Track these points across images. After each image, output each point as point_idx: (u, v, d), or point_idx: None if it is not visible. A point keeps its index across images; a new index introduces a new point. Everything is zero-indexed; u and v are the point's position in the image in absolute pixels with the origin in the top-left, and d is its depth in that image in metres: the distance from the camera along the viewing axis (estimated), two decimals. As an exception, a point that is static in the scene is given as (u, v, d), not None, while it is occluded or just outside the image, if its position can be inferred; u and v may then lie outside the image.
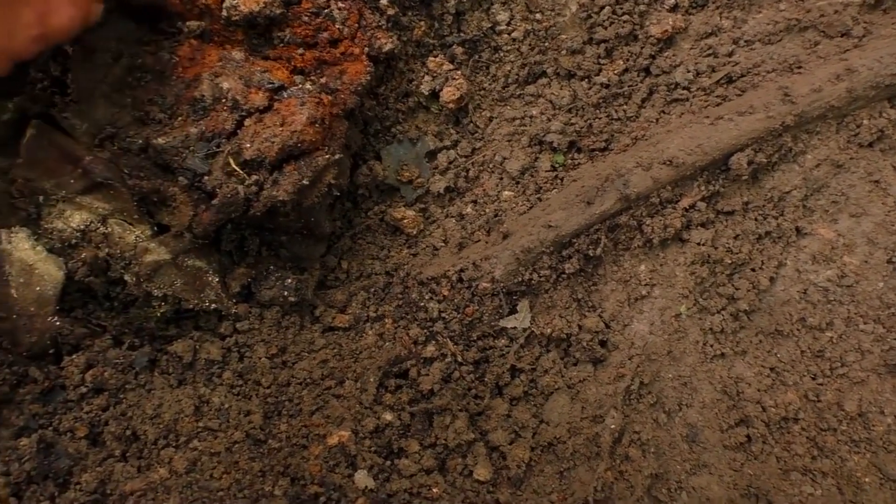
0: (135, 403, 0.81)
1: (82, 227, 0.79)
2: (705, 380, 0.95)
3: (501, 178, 1.02)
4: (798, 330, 0.96)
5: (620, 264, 0.96)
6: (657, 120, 1.01)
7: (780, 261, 0.97)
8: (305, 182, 0.83)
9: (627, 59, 1.03)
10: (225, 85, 0.84)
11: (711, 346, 0.95)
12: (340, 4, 0.92)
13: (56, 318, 0.77)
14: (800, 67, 0.99)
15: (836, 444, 0.94)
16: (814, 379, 0.95)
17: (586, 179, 0.94)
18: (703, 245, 0.95)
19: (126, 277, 0.80)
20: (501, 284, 0.89)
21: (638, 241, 0.94)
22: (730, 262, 0.96)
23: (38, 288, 0.75)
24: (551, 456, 0.91)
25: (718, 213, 0.97)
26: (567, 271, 0.92)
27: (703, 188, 0.94)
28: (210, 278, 0.85)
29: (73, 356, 0.79)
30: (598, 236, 0.92)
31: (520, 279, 0.90)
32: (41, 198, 0.78)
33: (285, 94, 0.86)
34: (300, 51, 0.92)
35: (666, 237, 0.94)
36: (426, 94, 0.99)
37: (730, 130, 0.93)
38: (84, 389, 0.79)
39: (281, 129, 0.83)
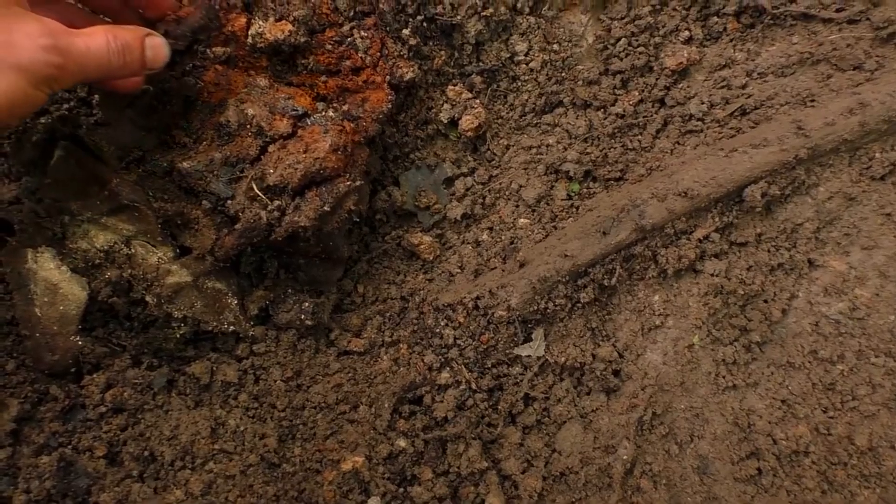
0: (153, 424, 0.82)
1: (106, 247, 0.80)
2: (717, 411, 0.95)
3: (517, 206, 1.03)
4: (809, 362, 0.97)
5: (635, 294, 0.97)
6: (672, 151, 1.02)
7: (792, 293, 0.98)
8: (327, 208, 0.84)
9: (643, 90, 1.04)
10: (250, 111, 0.85)
11: (724, 377, 0.96)
12: (363, 33, 0.94)
13: (78, 338, 0.78)
14: (813, 100, 1.00)
15: (846, 479, 0.94)
16: (825, 412, 0.96)
17: (602, 209, 0.95)
18: (717, 276, 0.96)
19: (147, 298, 0.81)
20: (517, 313, 0.90)
21: (652, 272, 0.95)
22: (743, 293, 0.96)
23: (61, 307, 0.76)
24: (563, 486, 0.92)
25: (732, 245, 0.98)
26: (582, 300, 0.93)
27: (717, 219, 0.95)
28: (229, 300, 0.86)
29: (94, 375, 0.80)
30: (614, 266, 0.92)
31: (535, 308, 0.90)
32: (67, 218, 0.79)
33: (309, 121, 0.87)
34: (323, 78, 0.93)
35: (680, 268, 0.95)
36: (445, 121, 1.01)
37: (744, 163, 0.94)
38: (103, 409, 0.80)
39: (304, 155, 0.84)
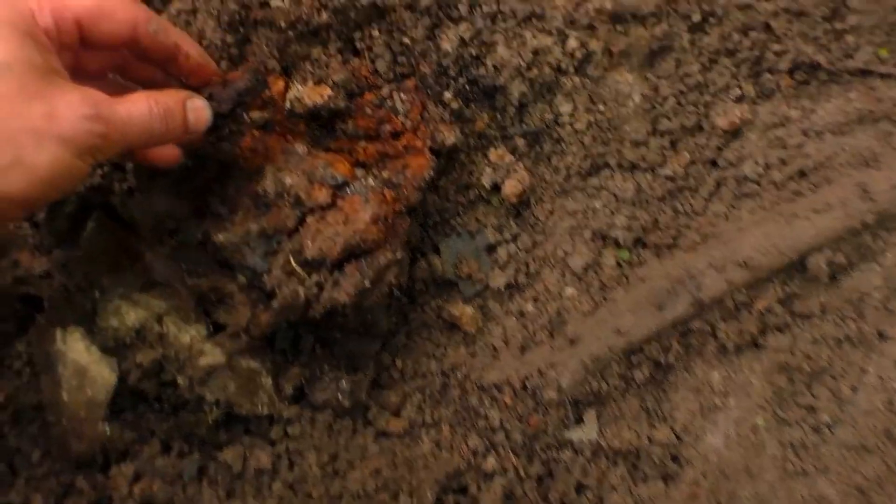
0: (182, 518, 0.77)
1: (138, 325, 0.76)
2: (785, 500, 0.88)
3: (563, 275, 0.98)
4: (884, 444, 0.89)
5: (692, 371, 0.91)
6: (726, 215, 0.97)
7: (862, 367, 0.91)
8: (367, 284, 0.80)
9: (693, 151, 1.00)
10: (288, 180, 0.82)
11: (791, 461, 0.89)
12: (403, 96, 0.91)
13: (106, 425, 0.73)
14: (876, 161, 0.95)
15: (928, 573, 0.86)
16: (903, 498, 0.88)
17: (655, 280, 0.90)
18: (781, 351, 0.89)
19: (179, 380, 0.77)
20: (568, 394, 0.84)
21: (711, 347, 0.89)
22: (809, 369, 0.90)
23: (89, 392, 0.72)
24: (620, 582, 0.85)
25: (795, 317, 0.91)
26: (637, 379, 0.87)
27: (778, 290, 0.90)
28: (264, 380, 0.82)
29: (122, 465, 0.75)
30: (670, 342, 0.87)
31: (587, 388, 0.85)
32: (98, 293, 0.76)
33: (348, 190, 0.83)
34: (362, 143, 0.90)
35: (741, 343, 0.89)
36: (487, 186, 0.97)
37: (806, 229, 0.88)
38: (132, 503, 0.75)
39: (344, 227, 0.80)
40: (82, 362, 0.71)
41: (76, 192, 0.77)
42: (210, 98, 0.74)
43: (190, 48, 0.73)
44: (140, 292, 0.76)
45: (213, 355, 0.77)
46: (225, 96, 0.75)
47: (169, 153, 0.76)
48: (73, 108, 0.58)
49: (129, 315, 0.75)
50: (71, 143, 0.58)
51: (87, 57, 0.70)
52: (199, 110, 0.71)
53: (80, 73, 0.68)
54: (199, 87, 0.74)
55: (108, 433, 0.72)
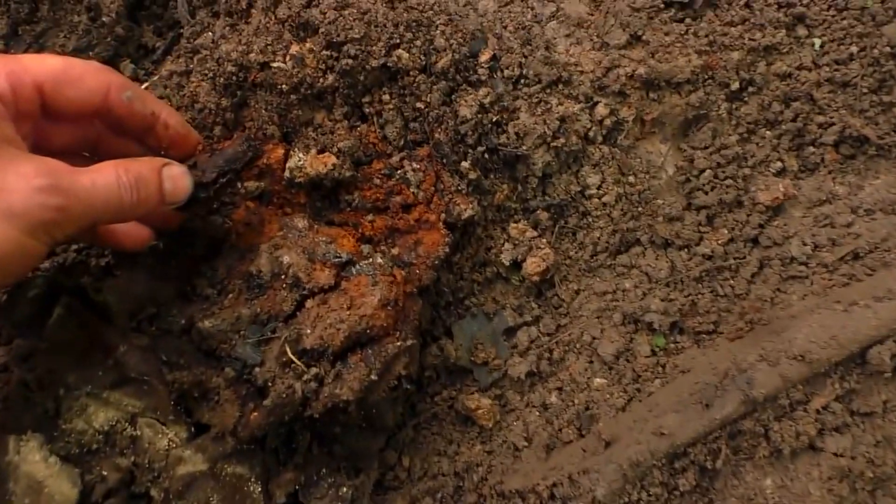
0: None
1: (107, 427, 0.65)
2: None
3: (591, 362, 0.88)
4: (959, 564, 0.78)
5: (741, 477, 0.79)
6: (772, 300, 0.87)
7: (931, 475, 0.80)
8: (374, 377, 0.70)
9: (732, 228, 0.91)
10: (286, 259, 0.73)
11: (858, 584, 0.77)
12: (415, 165, 0.83)
13: (62, 552, 0.62)
14: (933, 242, 0.86)
15: None
16: None
17: (699, 373, 0.80)
18: (841, 455, 0.79)
19: (153, 492, 0.66)
20: (603, 505, 0.73)
21: (763, 451, 0.78)
22: (872, 475, 0.79)
23: (44, 511, 0.61)
24: None
25: (854, 415, 0.81)
26: (681, 488, 0.76)
27: (836, 386, 0.79)
28: (252, 488, 0.71)
29: None
30: (719, 445, 0.76)
31: (626, 499, 0.74)
32: (62, 391, 0.66)
33: (354, 270, 0.74)
34: (370, 217, 0.81)
35: (797, 446, 0.78)
36: (506, 263, 0.87)
37: (868, 319, 0.79)
38: None
39: (348, 312, 0.70)
40: (38, 476, 0.61)
41: (42, 274, 0.67)
42: (193, 167, 0.66)
43: (169, 117, 0.65)
44: (111, 389, 0.65)
45: (193, 462, 0.67)
46: (210, 164, 0.66)
47: (137, 233, 0.67)
48: (26, 179, 0.50)
49: (98, 416, 0.65)
50: (20, 219, 0.50)
51: (50, 129, 0.62)
52: (177, 178, 0.63)
53: (42, 149, 0.60)
54: (181, 159, 0.66)
55: (64, 563, 0.61)
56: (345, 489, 0.75)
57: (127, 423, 0.66)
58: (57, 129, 0.62)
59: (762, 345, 0.79)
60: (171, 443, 0.67)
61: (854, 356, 0.79)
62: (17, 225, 0.50)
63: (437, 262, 0.80)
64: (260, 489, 0.71)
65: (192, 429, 0.69)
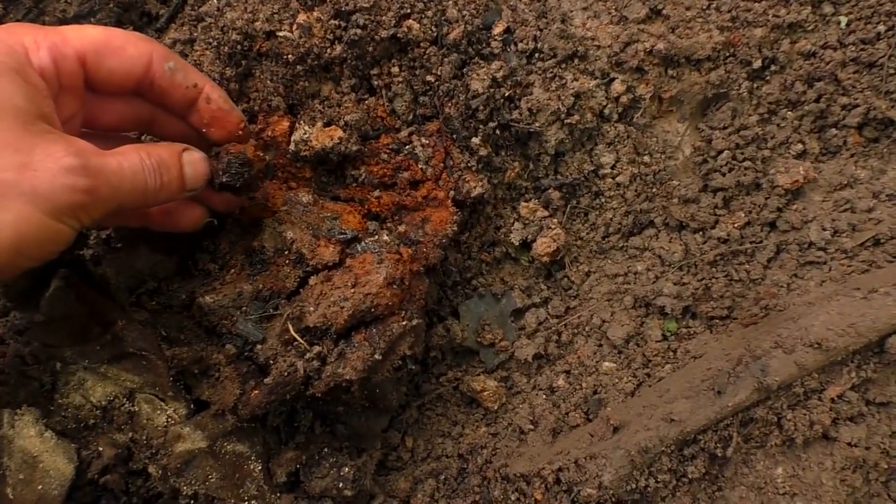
0: None
1: (105, 403, 0.64)
2: None
3: (601, 346, 0.86)
4: (974, 558, 0.76)
5: (752, 466, 0.78)
6: (788, 286, 0.85)
7: (947, 467, 0.78)
8: (377, 356, 0.68)
9: (749, 212, 0.88)
10: (289, 234, 0.71)
11: (869, 577, 0.76)
12: (424, 141, 0.80)
13: (58, 528, 0.60)
14: (957, 231, 0.83)
15: None
16: None
17: (712, 359, 0.78)
18: (855, 445, 0.77)
19: (151, 470, 0.65)
20: (610, 492, 0.71)
21: (775, 439, 0.77)
22: (886, 467, 0.77)
23: (39, 486, 0.60)
24: None
25: (870, 405, 0.79)
26: (690, 475, 0.74)
27: (853, 375, 0.77)
28: (252, 466, 0.69)
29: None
30: (730, 433, 0.74)
31: (633, 486, 0.72)
32: (59, 365, 0.64)
33: (359, 247, 0.72)
34: (376, 193, 0.79)
35: (810, 435, 0.76)
36: (516, 243, 0.85)
37: (888, 308, 0.76)
38: None
39: (353, 290, 0.68)
40: (33, 451, 0.59)
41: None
42: (216, 157, 0.63)
43: (211, 91, 0.62)
44: (109, 364, 0.64)
45: (191, 440, 0.65)
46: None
47: (191, 213, 0.65)
48: (55, 159, 0.48)
49: (96, 390, 0.63)
50: (46, 201, 0.47)
51: (99, 107, 0.59)
52: (196, 163, 0.60)
53: (92, 127, 0.58)
54: (220, 140, 0.63)
55: (61, 537, 0.60)
56: (346, 469, 0.74)
57: (125, 399, 0.65)
58: (105, 106, 0.60)
59: (777, 331, 0.76)
60: (169, 419, 0.65)
61: (872, 345, 0.77)
62: (42, 206, 0.47)
63: (444, 241, 0.78)
64: (260, 468, 0.70)
65: (192, 406, 0.67)
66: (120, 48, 0.56)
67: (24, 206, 0.47)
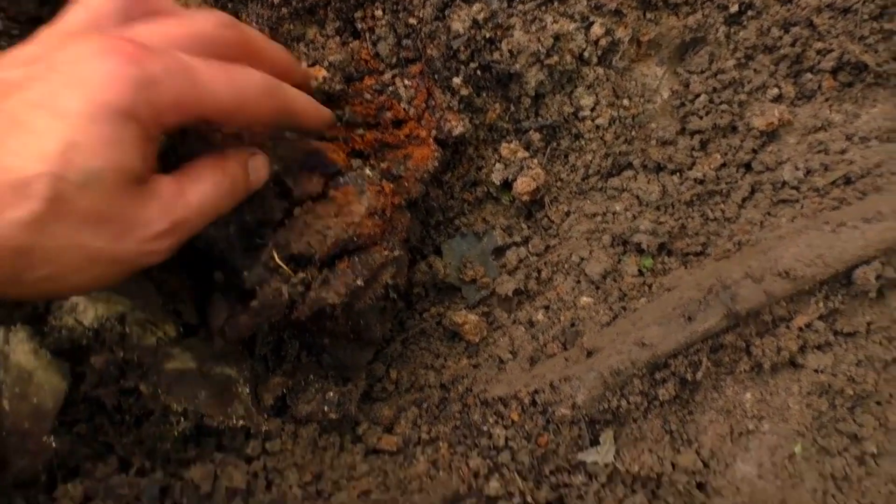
0: (138, 545, 0.67)
1: (97, 325, 0.66)
2: (827, 540, 0.78)
3: (579, 282, 0.89)
4: (937, 479, 0.80)
5: (722, 391, 0.81)
6: (761, 223, 0.87)
7: (911, 394, 0.81)
8: (360, 283, 0.71)
9: (725, 153, 0.91)
10: (274, 167, 0.73)
11: (833, 495, 0.79)
12: (407, 82, 0.82)
13: (52, 438, 0.63)
14: (927, 169, 0.86)
15: None
16: (960, 543, 0.78)
17: (685, 290, 0.81)
18: (821, 372, 0.80)
19: (142, 388, 0.67)
20: (583, 411, 0.75)
21: (744, 365, 0.80)
22: (852, 393, 0.80)
23: (35, 400, 0.62)
24: None
25: (838, 335, 0.82)
26: (661, 398, 0.77)
27: (821, 305, 0.80)
28: (240, 389, 0.72)
29: (69, 484, 0.65)
30: (700, 357, 0.77)
31: (606, 406, 0.75)
32: (53, 288, 0.67)
33: (342, 180, 0.74)
34: (360, 131, 0.81)
35: (778, 361, 0.79)
36: (497, 183, 0.88)
37: (855, 240, 0.79)
38: (78, 528, 0.65)
39: (336, 220, 0.71)
40: (28, 366, 0.62)
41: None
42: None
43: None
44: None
45: (181, 360, 0.68)
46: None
47: None
48: (147, 228, 0.49)
49: (88, 313, 0.66)
50: (129, 265, 0.49)
51: None
52: (260, 170, 0.62)
53: None
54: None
55: (55, 447, 0.63)
56: (331, 394, 0.77)
57: (116, 322, 0.67)
58: None
59: (748, 263, 0.79)
60: (159, 341, 0.68)
61: (840, 276, 0.79)
62: (123, 268, 0.49)
63: (426, 176, 0.80)
64: (248, 391, 0.73)
65: (181, 329, 0.70)
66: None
67: (107, 268, 0.48)
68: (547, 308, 0.89)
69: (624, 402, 0.75)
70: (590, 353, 0.78)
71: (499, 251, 0.90)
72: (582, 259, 0.89)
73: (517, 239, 0.90)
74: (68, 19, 0.53)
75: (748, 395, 0.81)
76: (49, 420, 0.63)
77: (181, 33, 0.55)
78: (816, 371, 0.80)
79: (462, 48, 0.82)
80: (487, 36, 0.83)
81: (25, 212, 0.42)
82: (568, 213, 0.91)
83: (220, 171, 0.56)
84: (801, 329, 0.80)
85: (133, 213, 0.48)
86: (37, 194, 0.42)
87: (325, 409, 0.77)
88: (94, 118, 0.44)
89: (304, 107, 0.65)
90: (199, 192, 0.54)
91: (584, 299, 0.87)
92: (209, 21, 0.58)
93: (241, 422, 0.72)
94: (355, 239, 0.72)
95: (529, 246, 0.91)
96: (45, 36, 0.51)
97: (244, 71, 0.56)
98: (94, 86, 0.45)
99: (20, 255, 0.43)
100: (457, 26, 0.81)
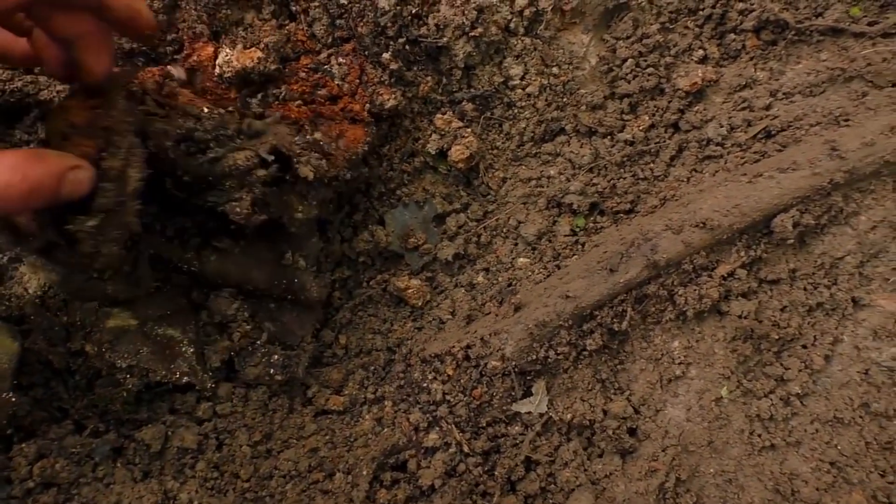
0: (90, 500, 0.71)
1: (40, 292, 0.71)
2: (753, 476, 0.81)
3: (516, 244, 0.93)
4: (861, 417, 0.83)
5: (650, 340, 0.84)
6: (688, 179, 0.91)
7: (835, 336, 0.85)
8: None
9: (654, 115, 0.94)
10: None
11: (759, 435, 0.82)
12: (341, 60, 0.86)
13: (11, 395, 0.68)
14: (847, 120, 0.89)
15: (911, 556, 0.79)
16: (882, 476, 0.81)
17: (609, 244, 0.84)
18: (746, 318, 0.83)
19: (87, 348, 0.72)
20: (513, 363, 0.79)
21: (670, 314, 0.83)
22: (777, 337, 0.84)
23: (-11, 362, 0.67)
24: (573, 566, 0.78)
25: (762, 282, 0.85)
26: (589, 348, 0.81)
27: (742, 254, 0.84)
28: (184, 349, 0.77)
29: (24, 444, 0.70)
30: (624, 308, 0.81)
31: (534, 357, 0.79)
32: (5, 258, 0.71)
33: None
34: (297, 103, 0.85)
35: (702, 309, 0.82)
36: (433, 153, 0.92)
37: (771, 189, 0.82)
38: (31, 484, 0.69)
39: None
40: (-20, 331, 0.67)
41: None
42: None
43: None
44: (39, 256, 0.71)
45: (121, 318, 0.72)
46: None
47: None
48: None
49: (32, 282, 0.70)
50: None
51: None
52: (78, 184, 0.55)
53: None
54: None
55: (14, 400, 0.67)
56: (276, 356, 0.81)
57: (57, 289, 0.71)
58: None
59: (669, 216, 0.83)
60: (100, 303, 0.72)
61: (758, 224, 0.83)
62: None
63: (354, 159, 0.83)
64: (192, 350, 0.77)
65: (120, 296, 0.74)
66: None
67: None
68: (487, 270, 0.93)
69: (552, 353, 0.79)
70: (517, 308, 0.82)
71: (439, 218, 0.94)
72: (519, 223, 0.93)
73: (456, 206, 0.94)
74: None
75: (676, 343, 0.84)
76: (7, 379, 0.67)
77: None
78: (741, 317, 0.83)
79: (389, 24, 0.85)
80: (414, 11, 0.87)
81: None
82: (505, 180, 0.95)
83: (21, 165, 0.50)
84: (723, 277, 0.83)
85: None
86: None
87: (272, 371, 0.81)
88: None
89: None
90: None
91: (521, 260, 0.91)
92: None
93: (185, 378, 0.76)
94: None
95: (469, 212, 0.94)
96: None
97: None
98: None
99: None
100: (383, 3, 0.85)
